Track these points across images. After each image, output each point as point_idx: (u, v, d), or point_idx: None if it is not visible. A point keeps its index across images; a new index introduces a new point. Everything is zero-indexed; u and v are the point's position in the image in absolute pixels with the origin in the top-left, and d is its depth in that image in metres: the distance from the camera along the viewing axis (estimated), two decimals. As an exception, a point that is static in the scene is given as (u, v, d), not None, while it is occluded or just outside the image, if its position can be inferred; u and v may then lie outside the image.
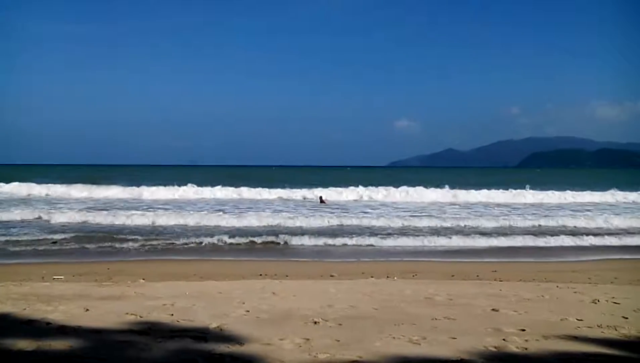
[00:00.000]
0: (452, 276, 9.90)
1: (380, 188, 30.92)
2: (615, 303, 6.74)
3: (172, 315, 5.77)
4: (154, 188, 30.32)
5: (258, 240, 14.67)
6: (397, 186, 31.74)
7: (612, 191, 31.53)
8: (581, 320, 5.68)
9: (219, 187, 31.57)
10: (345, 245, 14.47)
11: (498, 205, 26.26)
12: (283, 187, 31.59)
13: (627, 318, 5.78)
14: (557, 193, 30.64)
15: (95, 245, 13.76)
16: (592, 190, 32.28)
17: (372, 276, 9.49)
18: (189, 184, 31.39)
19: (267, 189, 30.75)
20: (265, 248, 14.12)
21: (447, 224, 18.19)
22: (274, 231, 16.22)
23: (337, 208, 23.66)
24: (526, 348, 4.58)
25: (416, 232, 16.56)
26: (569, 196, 29.98)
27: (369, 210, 23.17)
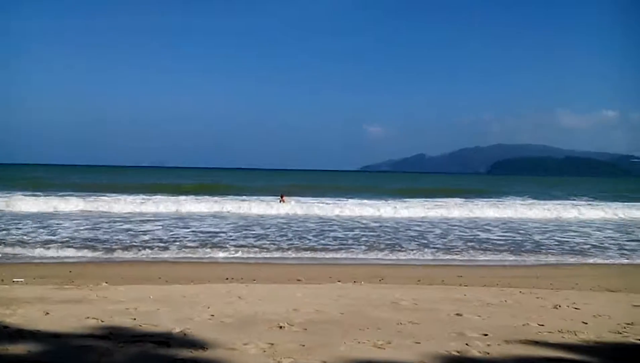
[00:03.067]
0: (418, 281, 9.96)
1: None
2: (575, 308, 6.87)
3: (135, 319, 5.68)
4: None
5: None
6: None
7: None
8: (542, 325, 5.78)
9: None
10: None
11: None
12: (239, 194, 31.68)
13: (586, 323, 5.90)
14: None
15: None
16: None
17: (339, 281, 9.50)
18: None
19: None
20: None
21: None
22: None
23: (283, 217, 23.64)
24: (488, 353, 4.64)
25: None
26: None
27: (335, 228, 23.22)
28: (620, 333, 5.48)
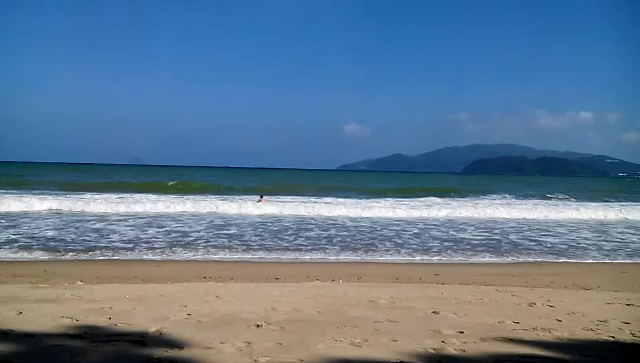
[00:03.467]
0: (397, 279, 10.01)
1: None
2: (550, 306, 6.97)
3: (110, 318, 5.61)
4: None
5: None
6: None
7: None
8: (517, 322, 5.84)
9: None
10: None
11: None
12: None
13: (560, 321, 5.99)
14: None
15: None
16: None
17: (317, 279, 9.50)
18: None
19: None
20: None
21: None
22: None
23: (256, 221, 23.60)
24: (464, 350, 4.68)
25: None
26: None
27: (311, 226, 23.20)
28: (593, 330, 5.57)
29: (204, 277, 9.58)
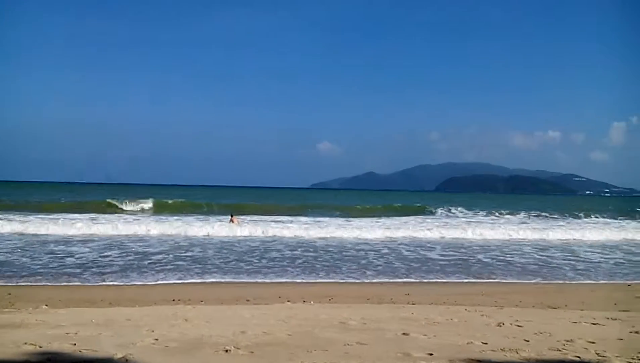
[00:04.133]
0: (368, 299, 10.02)
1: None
2: (518, 326, 7.04)
3: (75, 344, 5.49)
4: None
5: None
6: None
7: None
8: (486, 343, 5.89)
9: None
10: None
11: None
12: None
13: (528, 341, 6.05)
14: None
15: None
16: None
17: (288, 301, 9.46)
18: None
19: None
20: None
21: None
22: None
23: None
24: (432, 373, 4.70)
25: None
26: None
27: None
28: (560, 350, 5.65)
29: (173, 300, 9.46)
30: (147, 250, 17.14)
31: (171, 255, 16.07)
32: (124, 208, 36.73)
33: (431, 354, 5.32)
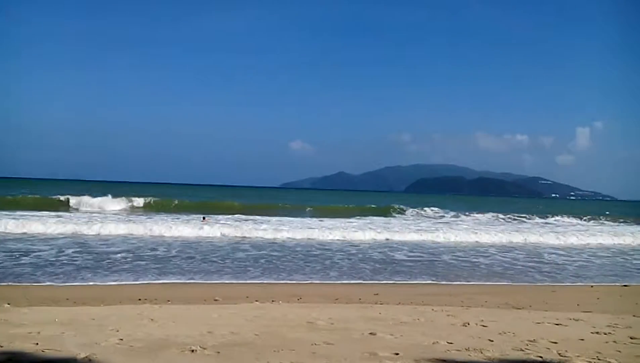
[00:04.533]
0: (336, 299, 10.05)
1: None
2: (483, 326, 7.15)
3: (37, 344, 5.37)
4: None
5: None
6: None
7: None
8: (451, 343, 5.96)
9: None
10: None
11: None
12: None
13: (492, 341, 6.14)
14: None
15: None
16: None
17: (257, 300, 9.42)
18: None
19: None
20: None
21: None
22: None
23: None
24: (398, 373, 4.73)
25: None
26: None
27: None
28: (523, 350, 5.75)
29: (139, 299, 9.33)
30: (112, 249, 16.83)
31: (138, 255, 15.85)
32: (91, 206, 35.96)
33: (397, 354, 5.36)
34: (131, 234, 20.91)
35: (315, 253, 17.76)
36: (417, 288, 12.34)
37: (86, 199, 36.43)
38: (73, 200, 36.52)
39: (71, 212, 30.94)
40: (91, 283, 11.56)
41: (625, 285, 13.40)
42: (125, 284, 11.68)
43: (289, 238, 21.82)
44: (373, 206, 46.58)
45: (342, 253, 17.80)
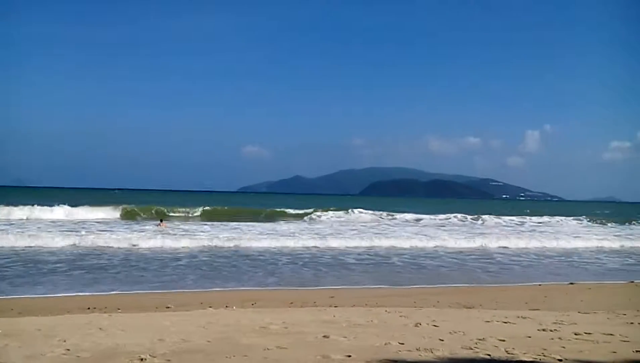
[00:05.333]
0: (291, 303, 10.04)
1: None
2: (435, 326, 7.27)
3: (-22, 358, 5.18)
4: None
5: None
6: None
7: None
8: (403, 343, 6.04)
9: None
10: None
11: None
12: None
13: (443, 340, 6.26)
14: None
15: None
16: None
17: (210, 307, 9.32)
18: None
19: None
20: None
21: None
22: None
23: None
24: (350, 375, 4.76)
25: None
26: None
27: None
28: (472, 348, 5.87)
29: (88, 308, 9.10)
30: (55, 259, 16.23)
31: (79, 265, 15.35)
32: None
33: (349, 356, 5.39)
34: (74, 244, 19.45)
35: (269, 258, 17.68)
36: (371, 290, 12.45)
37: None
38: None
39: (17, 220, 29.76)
40: (38, 295, 11.18)
41: (571, 283, 13.84)
42: (74, 295, 11.34)
43: (246, 246, 21.33)
44: (327, 209, 46.70)
45: (293, 257, 17.77)
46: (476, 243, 23.88)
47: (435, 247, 22.14)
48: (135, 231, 23.78)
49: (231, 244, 20.24)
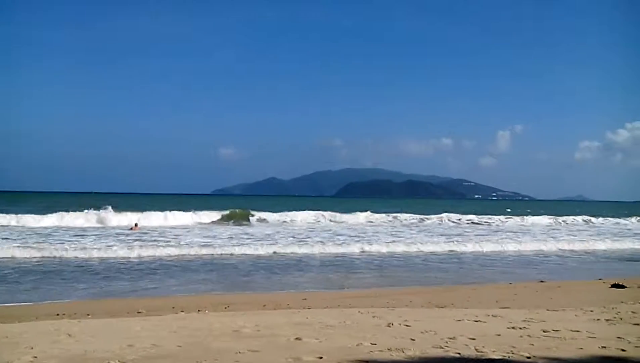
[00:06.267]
0: (264, 306, 10.01)
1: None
2: (407, 325, 7.32)
3: (-59, 368, 5.06)
4: None
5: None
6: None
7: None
8: (375, 343, 6.07)
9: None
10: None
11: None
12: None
13: (414, 340, 6.30)
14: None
15: None
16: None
17: (182, 311, 9.25)
18: None
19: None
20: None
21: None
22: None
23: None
24: (321, 376, 4.77)
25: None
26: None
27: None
28: (443, 348, 5.93)
29: (57, 314, 8.95)
30: (24, 267, 15.97)
31: (48, 272, 15.16)
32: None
33: (321, 357, 5.40)
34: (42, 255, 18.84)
35: (242, 262, 17.65)
36: (345, 291, 12.48)
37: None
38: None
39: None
40: (3, 304, 10.97)
41: (541, 281, 14.07)
42: (42, 303, 11.14)
43: (220, 253, 21.00)
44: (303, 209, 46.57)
45: (266, 261, 17.77)
46: (447, 242, 24.16)
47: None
48: (110, 236, 23.49)
49: (203, 251, 19.81)
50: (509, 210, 58.87)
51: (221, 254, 19.01)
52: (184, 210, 34.47)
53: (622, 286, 12.50)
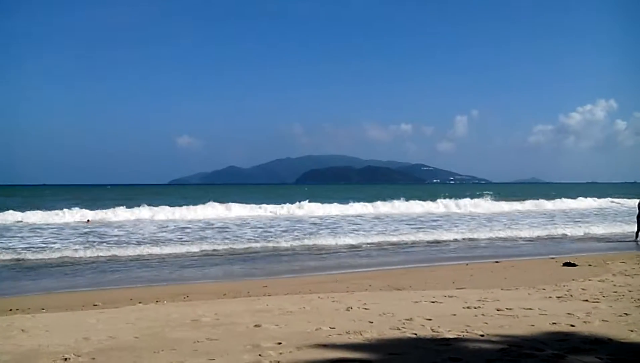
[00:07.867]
0: (224, 294, 9.96)
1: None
2: (365, 309, 7.43)
3: None
4: None
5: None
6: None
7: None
8: (334, 327, 6.14)
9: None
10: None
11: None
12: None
13: (372, 322, 6.40)
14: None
15: None
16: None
17: (139, 302, 9.11)
18: None
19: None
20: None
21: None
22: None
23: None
24: (279, 361, 4.80)
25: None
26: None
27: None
28: (400, 329, 6.04)
29: (10, 310, 8.68)
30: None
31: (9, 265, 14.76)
32: None
33: (280, 343, 5.43)
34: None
35: (198, 254, 17.51)
36: (305, 278, 12.50)
37: None
38: None
39: None
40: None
41: (496, 261, 14.41)
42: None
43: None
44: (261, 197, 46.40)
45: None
46: (405, 227, 24.40)
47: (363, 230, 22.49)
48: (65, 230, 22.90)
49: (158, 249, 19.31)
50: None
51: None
52: (137, 203, 33.38)
53: (574, 265, 12.93)
